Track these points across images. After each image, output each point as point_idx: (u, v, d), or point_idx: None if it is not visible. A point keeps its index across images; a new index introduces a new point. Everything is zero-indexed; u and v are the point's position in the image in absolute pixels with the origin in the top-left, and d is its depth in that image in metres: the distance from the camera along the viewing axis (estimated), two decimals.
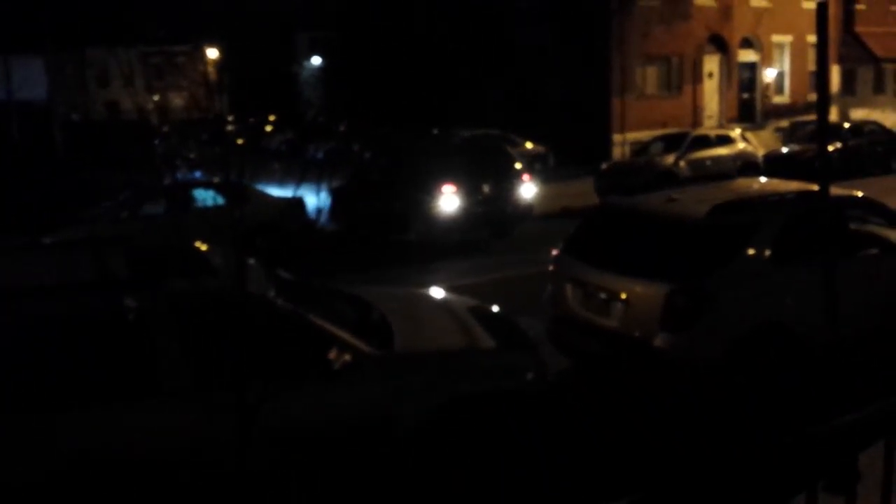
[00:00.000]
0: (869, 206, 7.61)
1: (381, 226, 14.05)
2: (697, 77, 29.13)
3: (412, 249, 13.45)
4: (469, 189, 13.92)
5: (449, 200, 13.63)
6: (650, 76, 28.64)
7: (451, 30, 30.04)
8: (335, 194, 14.79)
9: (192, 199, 11.92)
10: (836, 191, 7.21)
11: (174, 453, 4.48)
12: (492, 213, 14.30)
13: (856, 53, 32.30)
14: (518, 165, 15.46)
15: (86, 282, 4.79)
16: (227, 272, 3.99)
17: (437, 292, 6.80)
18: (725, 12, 29.37)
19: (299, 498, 4.82)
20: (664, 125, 26.43)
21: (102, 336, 4.65)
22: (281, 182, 15.07)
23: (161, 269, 4.89)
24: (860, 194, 7.70)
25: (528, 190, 15.13)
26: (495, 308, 6.57)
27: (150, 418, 4.50)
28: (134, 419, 4.49)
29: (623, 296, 6.36)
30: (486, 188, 14.30)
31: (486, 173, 14.50)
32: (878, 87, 34.22)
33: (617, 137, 26.59)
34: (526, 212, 15.02)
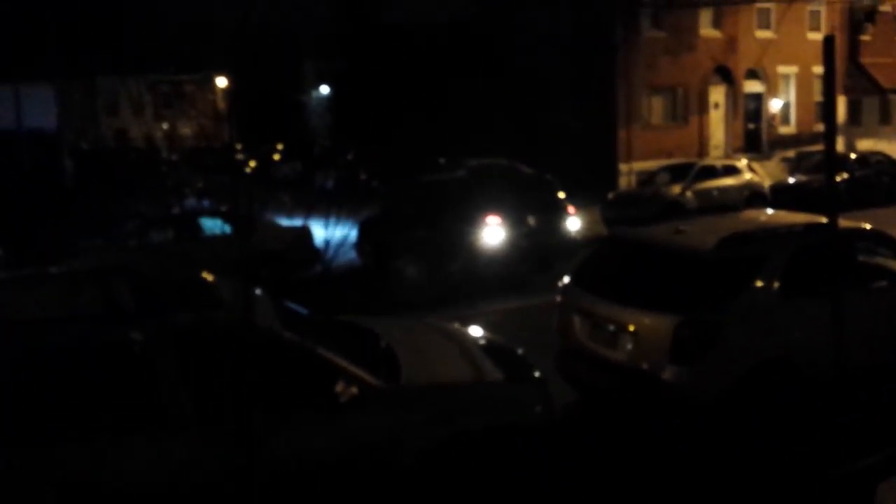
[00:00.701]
0: (877, 238, 7.58)
1: (418, 258, 13.37)
2: (703, 107, 29.23)
3: (445, 285, 12.55)
4: (514, 221, 13.33)
5: (494, 232, 13.02)
6: (656, 106, 28.75)
7: (456, 60, 30.30)
8: (362, 226, 14.41)
9: (199, 229, 11.94)
10: (843, 223, 7.20)
11: (178, 486, 4.45)
12: (537, 247, 13.63)
13: (861, 84, 32.40)
14: (562, 196, 14.89)
15: (92, 313, 4.78)
16: (234, 304, 3.98)
17: (445, 324, 6.77)
18: (731, 44, 29.56)
19: None
20: (670, 155, 26.48)
21: (107, 368, 4.63)
22: (290, 212, 14.98)
23: (167, 300, 4.89)
24: (868, 226, 7.68)
25: (573, 223, 14.56)
26: (503, 340, 6.54)
27: (153, 450, 4.47)
28: (137, 451, 4.47)
29: (631, 328, 6.33)
30: (531, 220, 13.70)
31: (530, 205, 13.97)
32: (884, 118, 34.27)
33: (623, 167, 26.64)
34: (571, 245, 14.10)
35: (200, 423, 4.55)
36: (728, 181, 20.75)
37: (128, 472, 4.41)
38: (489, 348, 6.02)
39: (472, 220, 13.08)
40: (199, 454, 4.46)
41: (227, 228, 11.18)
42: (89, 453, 4.39)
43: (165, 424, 4.54)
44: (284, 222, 12.12)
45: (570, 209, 14.59)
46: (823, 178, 5.84)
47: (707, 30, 29.01)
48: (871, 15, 31.97)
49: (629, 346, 6.34)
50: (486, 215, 13.11)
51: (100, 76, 41.26)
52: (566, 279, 7.45)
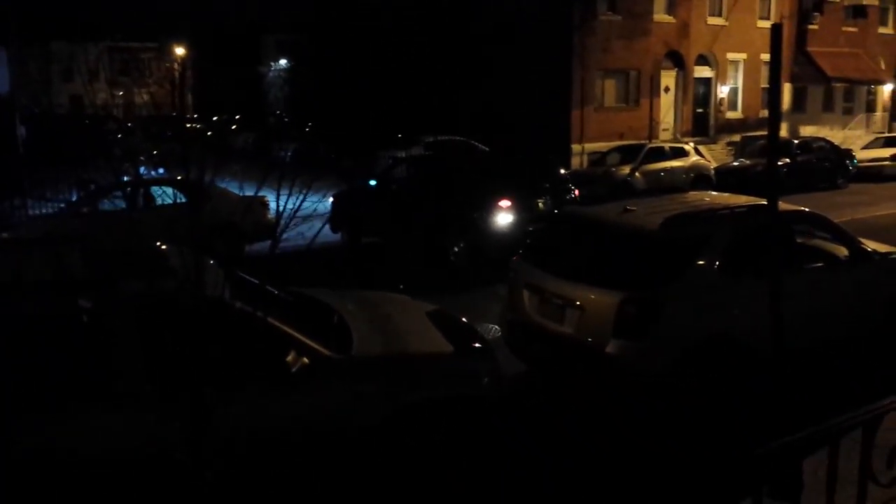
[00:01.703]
0: (815, 221, 7.87)
1: (409, 236, 12.98)
2: (655, 91, 29.65)
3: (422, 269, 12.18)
4: (524, 205, 12.76)
5: (504, 216, 12.51)
6: (609, 89, 29.08)
7: (417, 37, 30.13)
8: (338, 201, 14.41)
9: (152, 197, 11.74)
10: (784, 205, 7.44)
11: (128, 455, 4.45)
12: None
13: (807, 72, 33.18)
14: (567, 180, 14.55)
15: (41, 281, 4.73)
16: (185, 273, 3.98)
17: (396, 295, 6.85)
18: (683, 29, 29.98)
19: (254, 499, 4.82)
20: (622, 136, 26.86)
21: (56, 336, 4.60)
22: (242, 181, 14.67)
23: (118, 269, 4.85)
24: (807, 209, 7.96)
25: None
26: (454, 313, 6.64)
27: (103, 420, 4.46)
28: (87, 421, 4.46)
29: (578, 303, 6.49)
30: (541, 204, 13.13)
31: (540, 189, 13.41)
32: (828, 106, 35.20)
33: (576, 147, 26.92)
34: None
35: (151, 392, 4.55)
36: (675, 163, 21.19)
37: (78, 442, 4.40)
38: (439, 320, 6.11)
39: (482, 202, 12.51)
40: (150, 424, 4.46)
41: (181, 197, 10.95)
42: (40, 424, 4.37)
43: (116, 394, 4.53)
44: (226, 193, 11.88)
45: (576, 193, 14.05)
46: (766, 161, 6.04)
47: (661, 15, 29.38)
48: (819, 5, 32.68)
49: (575, 321, 6.50)
50: (498, 198, 12.53)
51: (55, 41, 39.98)
52: (517, 255, 7.58)
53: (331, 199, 14.58)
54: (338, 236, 14.73)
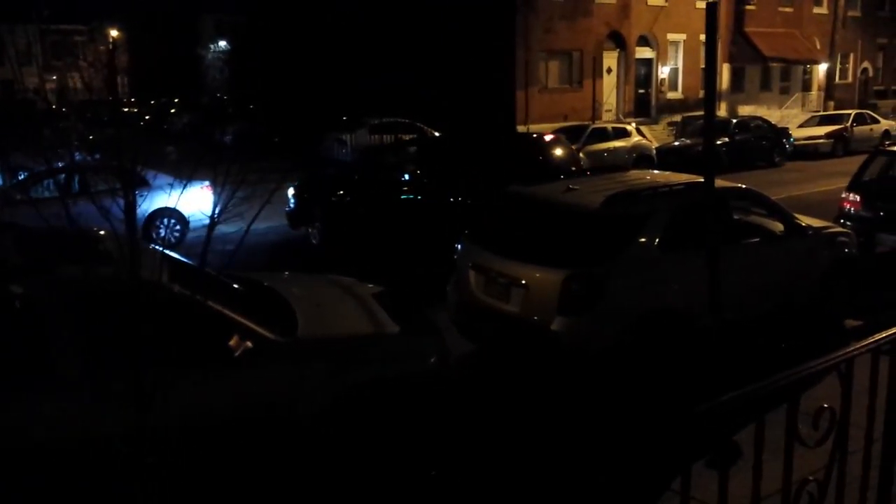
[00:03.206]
0: (752, 198, 8.07)
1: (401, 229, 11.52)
2: (597, 72, 29.97)
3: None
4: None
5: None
6: (552, 70, 29.28)
7: (358, 17, 29.84)
8: (299, 192, 12.79)
9: (87, 183, 11.45)
10: (721, 183, 7.62)
11: (66, 442, 4.37)
12: None
13: (745, 52, 33.90)
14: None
15: None
16: (121, 257, 3.90)
17: (341, 277, 6.81)
18: (624, 10, 30.31)
19: (198, 484, 4.77)
20: (566, 118, 27.13)
21: None
22: (178, 165, 14.09)
23: (53, 254, 4.73)
24: (744, 186, 8.15)
25: None
26: (400, 293, 6.64)
27: (41, 407, 4.37)
28: (24, 408, 4.35)
29: (522, 282, 6.55)
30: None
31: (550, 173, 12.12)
32: (765, 85, 36.05)
33: (521, 128, 27.07)
34: None
35: (89, 379, 4.46)
36: (618, 143, 21.50)
37: (15, 431, 4.30)
38: (386, 301, 6.10)
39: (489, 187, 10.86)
40: (88, 411, 4.37)
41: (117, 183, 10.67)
42: None
43: (53, 381, 4.43)
44: (166, 178, 11.55)
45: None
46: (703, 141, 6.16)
47: None
48: None
49: (521, 300, 6.56)
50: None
51: None
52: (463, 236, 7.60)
53: (290, 191, 13.06)
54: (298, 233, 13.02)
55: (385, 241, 11.49)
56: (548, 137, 13.83)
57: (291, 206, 12.99)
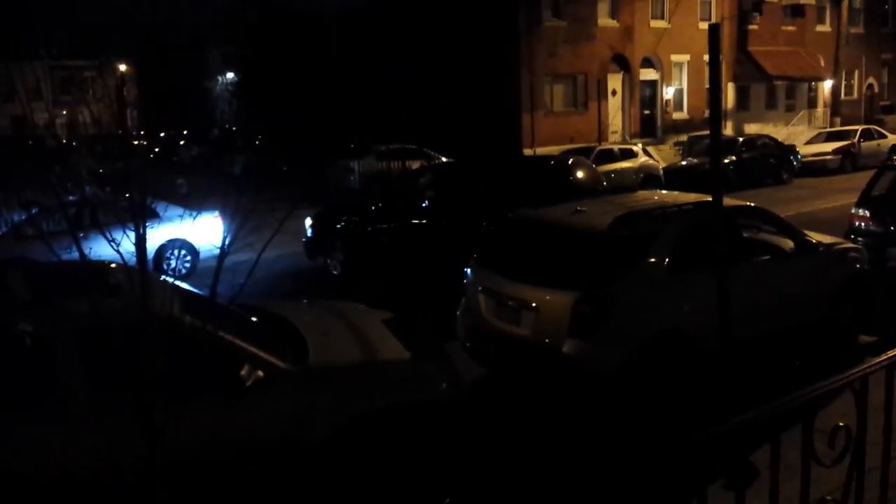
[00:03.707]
0: (761, 216, 8.06)
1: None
2: (602, 94, 30.09)
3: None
4: None
5: None
6: (557, 93, 29.43)
7: (364, 45, 30.13)
8: (318, 222, 12.56)
9: (97, 216, 11.53)
10: (729, 201, 7.61)
11: (78, 476, 4.36)
12: None
13: (749, 72, 33.99)
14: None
15: None
16: (132, 290, 3.92)
17: (351, 304, 6.82)
18: (627, 33, 30.49)
19: None
20: (572, 140, 27.20)
21: (1, 358, 4.49)
22: (185, 199, 14.13)
23: (63, 289, 4.76)
24: (751, 204, 8.14)
25: None
26: (410, 319, 6.63)
27: (52, 442, 4.37)
28: (36, 443, 4.35)
29: (533, 304, 6.53)
30: None
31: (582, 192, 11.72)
32: (771, 103, 36.09)
33: (528, 152, 27.16)
34: None
35: (100, 413, 4.46)
36: (625, 164, 21.53)
37: (26, 465, 4.30)
38: (397, 327, 6.10)
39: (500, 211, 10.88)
40: (99, 445, 4.37)
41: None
42: None
43: (64, 415, 4.43)
44: (177, 209, 11.67)
45: None
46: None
47: (605, 19, 29.85)
48: (758, 5, 33.51)
49: (531, 322, 6.54)
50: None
51: None
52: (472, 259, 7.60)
53: (308, 221, 12.90)
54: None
55: (409, 269, 11.33)
56: (572, 160, 14.04)
57: (309, 235, 12.78)
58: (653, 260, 6.66)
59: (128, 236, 3.97)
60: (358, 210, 13.03)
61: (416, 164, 23.51)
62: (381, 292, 9.99)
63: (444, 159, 24.31)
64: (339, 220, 12.60)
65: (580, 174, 13.12)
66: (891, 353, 3.16)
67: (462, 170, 14.38)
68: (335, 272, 12.40)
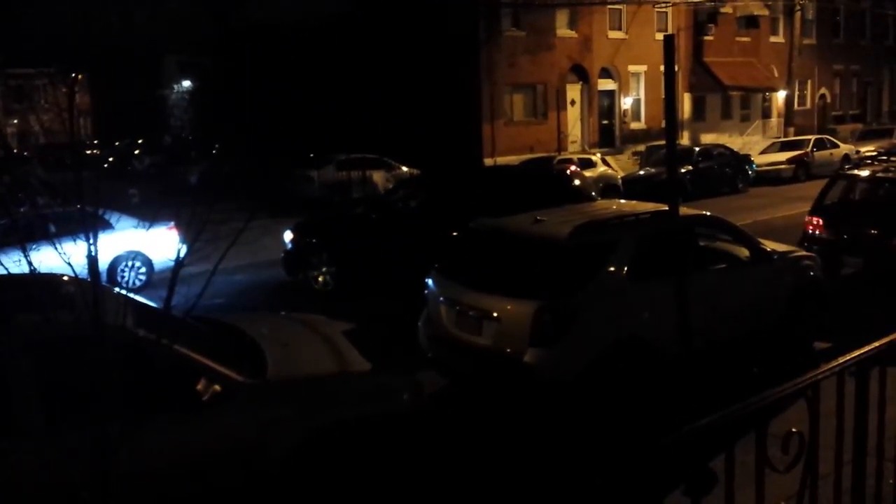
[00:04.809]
0: (717, 224, 8.18)
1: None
2: (561, 104, 30.37)
3: None
4: None
5: None
6: (517, 103, 29.63)
7: (321, 56, 30.00)
8: (298, 234, 12.02)
9: (48, 229, 11.29)
10: (686, 210, 7.72)
11: (28, 495, 4.24)
12: None
13: (705, 82, 34.58)
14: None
15: None
16: (84, 303, 3.83)
17: (311, 316, 6.75)
18: (585, 43, 30.84)
19: None
20: (532, 150, 27.38)
21: None
22: (141, 207, 13.75)
23: (13, 303, 4.63)
24: (708, 213, 8.25)
25: None
26: (371, 330, 6.59)
27: (1, 459, 4.24)
28: None
29: (494, 314, 6.54)
30: None
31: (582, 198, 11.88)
32: (726, 113, 36.75)
33: (488, 161, 27.28)
34: None
35: (52, 429, 4.35)
36: (585, 173, 21.68)
37: None
38: (356, 339, 6.04)
39: None
40: (51, 462, 4.25)
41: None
42: None
43: (15, 433, 4.31)
44: (130, 220, 11.39)
45: None
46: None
47: (563, 30, 30.17)
48: (713, 16, 34.16)
49: (493, 332, 6.55)
50: None
51: None
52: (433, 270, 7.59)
53: (288, 235, 12.35)
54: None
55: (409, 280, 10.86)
56: (570, 169, 15.49)
57: (289, 249, 12.21)
58: (612, 269, 6.72)
59: (80, 248, 3.89)
60: (351, 224, 12.53)
61: (376, 174, 23.47)
62: (377, 306, 9.82)
63: (405, 168, 24.32)
64: (332, 233, 12.07)
65: (581, 181, 13.56)
66: (841, 360, 3.21)
67: (454, 179, 14.03)
68: (322, 287, 11.75)
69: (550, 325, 6.29)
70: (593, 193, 14.14)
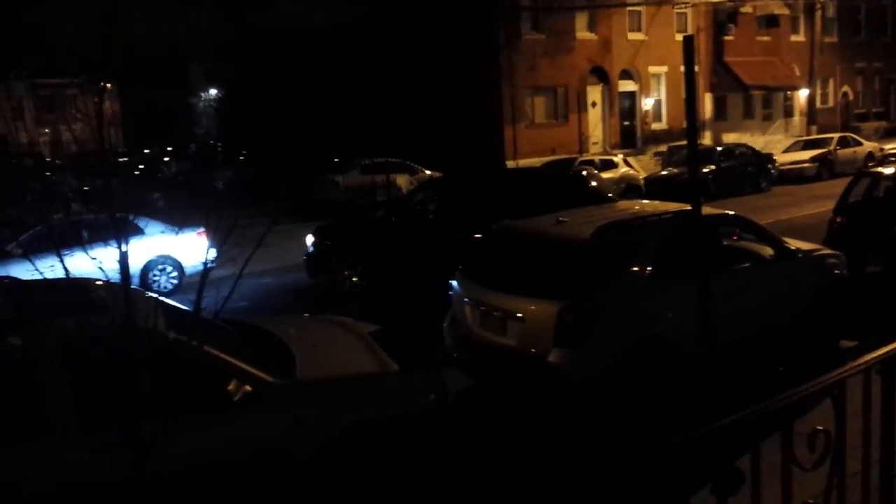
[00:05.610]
0: (739, 223, 8.16)
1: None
2: (582, 106, 30.33)
3: None
4: None
5: None
6: (538, 106, 29.62)
7: (345, 62, 30.20)
8: (320, 238, 12.10)
9: (81, 234, 11.45)
10: (708, 210, 7.71)
11: (63, 495, 4.33)
12: None
13: (726, 82, 34.36)
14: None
15: None
16: (117, 307, 3.92)
17: (338, 317, 6.82)
18: (605, 45, 30.77)
19: None
20: (553, 152, 27.36)
21: None
22: (171, 213, 13.94)
23: (49, 306, 4.74)
24: (731, 212, 8.23)
25: None
26: (398, 332, 6.64)
27: (38, 459, 4.34)
28: (23, 461, 4.33)
29: (518, 315, 6.58)
30: None
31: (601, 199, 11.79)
32: (748, 113, 36.49)
33: (510, 164, 27.30)
34: None
35: (86, 430, 4.44)
36: (606, 175, 21.65)
37: (13, 484, 4.27)
38: (384, 339, 6.10)
39: None
40: (86, 462, 4.35)
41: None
42: None
43: (50, 433, 4.42)
44: (160, 226, 11.58)
45: None
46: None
47: (583, 32, 30.12)
48: (733, 16, 33.94)
49: (517, 333, 6.58)
50: None
51: None
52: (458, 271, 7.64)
53: (309, 238, 12.43)
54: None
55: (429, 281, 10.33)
56: (585, 171, 15.55)
57: (311, 252, 12.29)
58: (635, 269, 6.73)
59: (112, 253, 3.98)
60: (377, 226, 12.58)
61: (400, 178, 23.57)
62: (402, 307, 9.76)
63: (428, 172, 24.40)
64: (360, 236, 12.12)
65: (597, 183, 14.24)
66: (867, 357, 3.21)
67: (471, 182, 13.96)
68: (353, 290, 11.74)
69: (574, 326, 6.31)
70: (610, 194, 13.98)
